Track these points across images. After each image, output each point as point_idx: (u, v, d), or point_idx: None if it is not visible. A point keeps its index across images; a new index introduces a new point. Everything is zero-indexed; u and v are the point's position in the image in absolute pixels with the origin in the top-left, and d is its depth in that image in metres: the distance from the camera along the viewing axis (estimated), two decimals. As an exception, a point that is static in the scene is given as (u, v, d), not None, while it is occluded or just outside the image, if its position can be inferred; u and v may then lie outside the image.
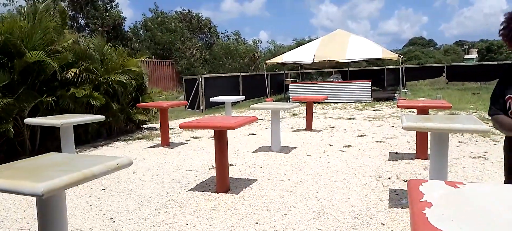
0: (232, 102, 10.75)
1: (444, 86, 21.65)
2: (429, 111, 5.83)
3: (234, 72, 20.80)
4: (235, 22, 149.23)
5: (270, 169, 5.34)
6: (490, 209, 1.33)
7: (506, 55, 41.74)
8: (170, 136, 7.73)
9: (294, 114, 11.73)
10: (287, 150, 6.55)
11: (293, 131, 8.66)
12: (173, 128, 9.08)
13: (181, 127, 4.41)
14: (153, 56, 26.04)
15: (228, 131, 4.42)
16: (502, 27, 1.96)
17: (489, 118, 2.10)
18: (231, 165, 5.51)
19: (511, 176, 2.03)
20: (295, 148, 6.75)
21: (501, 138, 7.04)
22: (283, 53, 19.63)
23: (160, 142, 7.43)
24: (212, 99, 10.23)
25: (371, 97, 15.32)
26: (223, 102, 10.19)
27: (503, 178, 4.54)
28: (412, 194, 1.53)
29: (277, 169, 5.30)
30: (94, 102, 7.37)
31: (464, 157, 5.70)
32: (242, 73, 17.85)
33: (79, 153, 6.79)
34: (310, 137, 7.87)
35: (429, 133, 4.24)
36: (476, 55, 49.07)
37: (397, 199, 3.94)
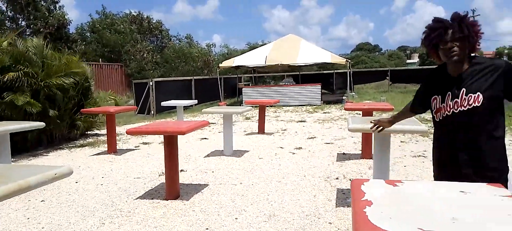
0: (184, 106, 10.57)
1: (388, 89, 22.84)
2: (374, 113, 6.10)
3: (187, 76, 20.48)
4: (187, 25, 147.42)
5: (222, 173, 5.30)
6: (425, 204, 1.41)
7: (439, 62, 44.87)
8: (117, 142, 7.43)
9: (247, 118, 11.78)
10: (239, 153, 6.55)
11: (246, 135, 8.69)
12: (121, 134, 8.73)
13: (128, 132, 4.24)
14: (101, 59, 24.92)
15: (179, 136, 4.33)
16: (423, 37, 2.06)
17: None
18: (181, 170, 5.41)
19: (439, 170, 2.18)
20: (248, 151, 6.76)
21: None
22: (236, 56, 19.67)
23: (106, 149, 7.11)
24: (163, 103, 9.99)
25: (321, 100, 15.79)
26: (174, 107, 9.97)
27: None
28: (354, 194, 1.58)
29: (229, 173, 5.28)
30: (30, 109, 6.89)
31: (405, 155, 6.04)
32: (195, 77, 17.64)
33: (15, 162, 6.31)
34: (263, 140, 7.94)
35: (373, 134, 4.45)
36: (418, 59, 52.35)
37: (344, 198, 4.08)
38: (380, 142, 3.45)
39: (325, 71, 24.01)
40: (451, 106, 1.99)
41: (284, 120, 11.29)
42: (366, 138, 5.67)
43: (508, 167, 2.05)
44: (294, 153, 6.51)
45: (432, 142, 2.26)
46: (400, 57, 55.64)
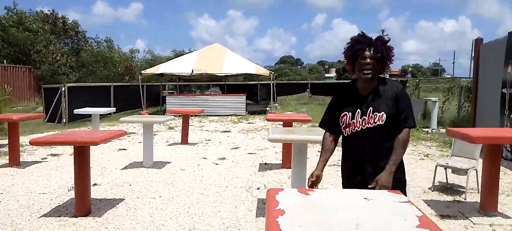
0: (101, 115, 9.91)
1: (308, 101, 24.03)
2: (294, 124, 6.35)
3: (106, 82, 19.29)
4: (108, 28, 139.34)
5: (140, 186, 5.05)
6: (332, 212, 1.48)
7: (352, 75, 48.73)
8: (21, 154, 6.68)
9: (170, 128, 11.45)
10: (160, 165, 6.32)
11: (169, 145, 8.43)
12: (26, 145, 7.88)
13: (32, 143, 3.82)
14: (5, 60, 22.34)
15: (93, 147, 4.02)
16: (346, 46, 2.22)
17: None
18: (95, 184, 5.03)
19: (348, 180, 2.34)
20: (169, 162, 6.56)
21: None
22: (161, 63, 19.06)
23: (7, 162, 6.34)
24: (77, 111, 9.25)
25: (246, 110, 16.02)
26: (90, 115, 9.29)
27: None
28: (269, 204, 1.61)
29: (148, 186, 5.05)
30: None
31: (322, 165, 6.36)
32: (114, 84, 16.69)
33: None
34: (185, 150, 7.76)
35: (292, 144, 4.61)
36: (335, 74, 56.07)
37: (264, 208, 4.13)
38: (298, 151, 3.59)
39: (250, 82, 24.47)
40: (360, 123, 2.16)
41: (208, 129, 11.20)
42: (286, 148, 5.85)
43: (406, 178, 2.29)
44: (217, 164, 6.47)
45: (341, 153, 2.40)
46: (320, 71, 59.12)
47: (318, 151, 7.43)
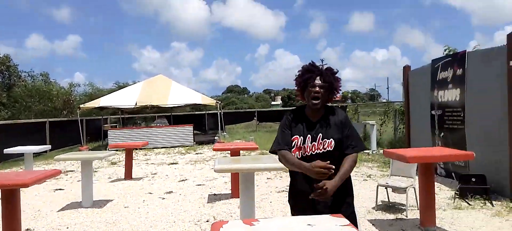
0: (35, 153, 9.19)
1: (256, 129, 24.29)
2: (241, 153, 6.34)
3: (41, 118, 18.04)
4: (43, 62, 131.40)
5: (79, 228, 4.70)
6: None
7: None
8: None
9: (113, 163, 10.90)
10: (101, 204, 5.95)
11: (111, 181, 7.99)
12: None
13: (-51, 189, 3.42)
14: None
15: (23, 189, 3.69)
16: (297, 75, 2.31)
17: (274, 152, 2.39)
18: (28, 229, 4.60)
19: (295, 201, 2.35)
20: (111, 200, 6.20)
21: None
22: (102, 96, 18.27)
23: None
24: (7, 151, 8.51)
25: (194, 141, 15.77)
26: (22, 154, 8.58)
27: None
28: (213, 238, 1.56)
29: (88, 228, 4.71)
30: None
31: (271, 192, 6.39)
32: (50, 119, 15.66)
33: None
34: (130, 186, 7.41)
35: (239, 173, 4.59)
36: (280, 101, 57.50)
37: (214, 241, 4.03)
38: (244, 181, 3.57)
39: (197, 112, 24.24)
40: (310, 148, 2.22)
41: (154, 162, 10.82)
42: (235, 177, 5.81)
43: (353, 202, 2.35)
44: (164, 198, 6.23)
45: (290, 178, 2.41)
46: (266, 99, 60.29)
47: (268, 178, 7.52)
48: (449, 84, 6.72)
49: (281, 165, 3.41)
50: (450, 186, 6.25)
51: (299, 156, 2.25)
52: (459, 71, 6.42)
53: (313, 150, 2.21)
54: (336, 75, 2.28)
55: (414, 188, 4.98)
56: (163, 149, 14.62)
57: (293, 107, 2.91)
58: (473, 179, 5.46)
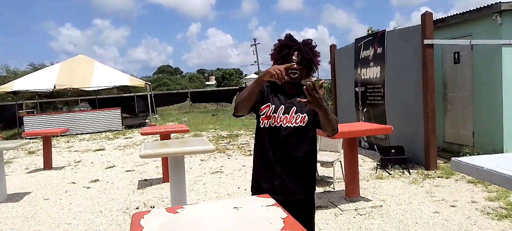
0: None
1: (190, 110, 23.87)
2: (172, 136, 6.13)
3: None
4: None
5: (-11, 227, 4.21)
6: (201, 225, 1.41)
7: (236, 81, 50.50)
8: None
9: (31, 152, 9.96)
10: (17, 197, 5.40)
11: (28, 172, 7.30)
12: None
13: None
14: None
15: None
16: (273, 50, 2.14)
17: (235, 117, 2.20)
18: None
19: (257, 180, 2.17)
20: (29, 193, 5.66)
21: (233, 152, 8.31)
22: (16, 79, 16.46)
23: None
24: None
25: (123, 125, 15.01)
26: None
27: (236, 187, 5.28)
28: (132, 229, 1.45)
29: (2, 224, 4.25)
30: None
31: (205, 173, 6.31)
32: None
33: None
34: (50, 176, 6.83)
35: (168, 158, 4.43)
36: (215, 81, 57.04)
37: (144, 228, 3.87)
38: (174, 165, 3.44)
39: (125, 95, 23.06)
40: (281, 119, 2.06)
41: (78, 150, 10.10)
42: (166, 161, 5.62)
43: (315, 185, 2.23)
44: (89, 187, 5.84)
45: (254, 149, 2.24)
46: (200, 79, 59.35)
47: (202, 160, 7.40)
48: (370, 62, 7.12)
49: (209, 147, 3.34)
50: (373, 158, 6.70)
51: (267, 125, 2.09)
52: (379, 50, 6.81)
53: (284, 122, 2.06)
54: (315, 49, 2.12)
55: (340, 161, 5.24)
56: (88, 135, 13.72)
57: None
58: (393, 151, 5.91)
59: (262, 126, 2.11)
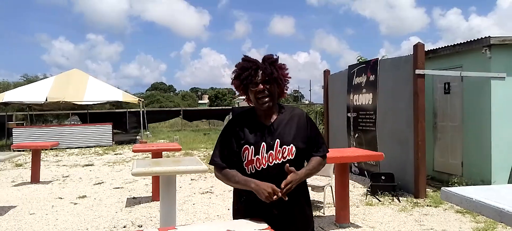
0: None
1: (181, 128, 23.78)
2: (163, 154, 6.10)
3: None
4: None
5: (-29, 241, 4.11)
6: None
7: (229, 101, 50.60)
8: None
9: (18, 165, 9.80)
10: (1, 211, 5.30)
11: (15, 186, 7.17)
12: None
13: None
14: None
15: None
16: (233, 76, 1.90)
17: (212, 164, 1.94)
18: None
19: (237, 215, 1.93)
20: (15, 206, 5.56)
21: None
22: (7, 91, 16.30)
23: None
24: None
25: (113, 140, 14.88)
26: None
27: (226, 208, 5.23)
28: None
29: (-17, 239, 4.15)
30: None
31: (194, 193, 6.26)
32: None
33: None
34: (37, 190, 6.71)
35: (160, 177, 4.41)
36: (208, 100, 57.09)
37: (131, 248, 3.81)
38: (165, 183, 3.42)
39: (117, 110, 22.91)
40: (266, 159, 1.80)
41: (67, 164, 9.96)
42: (156, 179, 5.57)
43: (311, 211, 2.01)
44: (76, 203, 5.75)
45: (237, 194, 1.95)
46: (193, 97, 59.41)
47: (192, 179, 7.35)
48: (363, 89, 7.23)
49: (201, 167, 3.34)
50: (363, 184, 6.72)
51: (252, 171, 1.81)
52: (372, 77, 6.94)
53: (270, 160, 1.79)
54: (277, 62, 1.86)
55: (331, 186, 5.25)
56: (77, 150, 13.56)
57: (237, 108, 2.29)
58: (383, 177, 5.94)
59: (248, 173, 1.83)
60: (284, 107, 1.94)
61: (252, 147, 1.81)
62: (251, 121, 1.87)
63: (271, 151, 1.80)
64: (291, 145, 1.81)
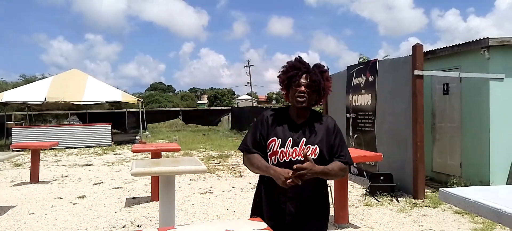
0: None
1: (181, 128, 23.77)
2: (163, 154, 6.11)
3: None
4: None
5: (-30, 240, 4.11)
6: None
7: (228, 102, 50.62)
8: None
9: (17, 165, 9.79)
10: (1, 211, 5.29)
11: (14, 185, 7.17)
12: None
13: None
14: None
15: None
16: (281, 71, 2.02)
17: (240, 150, 2.06)
18: None
19: (267, 217, 1.96)
20: (14, 206, 5.56)
21: (223, 173, 8.27)
22: (5, 91, 16.29)
23: None
24: None
25: (112, 140, 14.88)
26: None
27: (225, 209, 5.24)
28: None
29: (-18, 239, 4.15)
30: None
31: (194, 193, 6.26)
32: None
33: None
34: (36, 190, 6.71)
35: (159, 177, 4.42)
36: (207, 101, 57.10)
37: (130, 248, 3.82)
38: (164, 183, 3.43)
39: (117, 110, 22.91)
40: (290, 153, 1.90)
41: (66, 164, 9.96)
42: (155, 179, 5.57)
43: (329, 212, 2.12)
44: (75, 203, 5.75)
45: (257, 185, 2.09)
46: (192, 98, 59.39)
47: (191, 179, 7.35)
48: (362, 89, 7.24)
49: (200, 167, 3.35)
50: (362, 184, 6.73)
51: (274, 162, 1.92)
52: (370, 78, 6.95)
53: (294, 156, 1.89)
54: (326, 73, 2.00)
55: (330, 186, 5.25)
56: (76, 150, 13.56)
57: (274, 107, 2.52)
58: (382, 178, 5.95)
59: (270, 163, 1.94)
60: (317, 113, 2.06)
61: (279, 139, 1.93)
62: (283, 118, 2.00)
63: (295, 147, 1.91)
64: (316, 146, 1.92)
